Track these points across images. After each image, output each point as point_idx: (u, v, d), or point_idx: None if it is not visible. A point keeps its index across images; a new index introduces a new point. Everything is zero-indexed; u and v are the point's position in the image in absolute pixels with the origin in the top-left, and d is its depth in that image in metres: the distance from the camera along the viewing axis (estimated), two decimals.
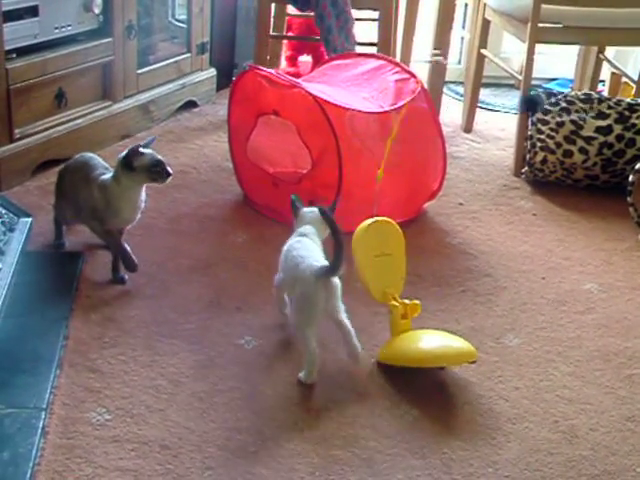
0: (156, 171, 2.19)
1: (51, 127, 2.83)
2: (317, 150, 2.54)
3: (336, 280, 1.93)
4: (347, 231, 2.55)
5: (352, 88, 2.70)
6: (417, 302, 2.00)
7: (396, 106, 2.59)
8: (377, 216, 2.02)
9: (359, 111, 2.52)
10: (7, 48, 2.58)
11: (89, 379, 1.91)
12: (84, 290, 2.24)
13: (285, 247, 2.07)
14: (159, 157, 2.21)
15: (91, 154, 2.36)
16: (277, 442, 1.77)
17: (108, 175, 2.23)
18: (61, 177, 2.38)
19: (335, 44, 3.14)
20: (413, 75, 2.73)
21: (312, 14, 3.18)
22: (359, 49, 3.29)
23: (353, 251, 2.00)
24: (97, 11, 2.91)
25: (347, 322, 1.96)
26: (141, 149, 2.19)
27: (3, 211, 2.21)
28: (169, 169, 2.20)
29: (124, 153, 2.20)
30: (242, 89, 2.70)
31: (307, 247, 2.01)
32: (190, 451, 1.73)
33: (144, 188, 2.26)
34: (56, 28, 2.78)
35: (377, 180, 2.09)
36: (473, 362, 1.97)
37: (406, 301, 1.99)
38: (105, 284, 2.27)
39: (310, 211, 2.12)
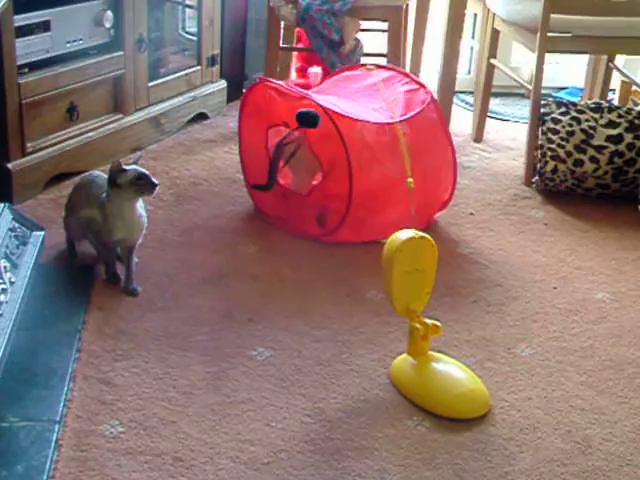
0: (141, 184, 2.21)
1: (63, 140, 2.84)
2: (328, 161, 2.55)
3: None
4: (358, 241, 2.57)
5: (362, 99, 2.71)
6: (438, 324, 1.98)
7: (406, 116, 2.60)
8: (412, 228, 1.98)
9: (369, 122, 2.53)
10: (19, 63, 2.59)
11: (102, 392, 1.92)
12: (96, 303, 2.25)
13: None
14: (142, 170, 2.23)
15: (99, 172, 2.39)
16: (290, 454, 1.78)
17: (102, 195, 2.27)
18: (70, 193, 2.42)
19: (331, 59, 3.20)
20: (423, 85, 2.74)
21: None
22: (369, 60, 3.30)
23: (386, 264, 1.94)
24: (108, 25, 2.93)
25: None
26: (123, 166, 2.22)
27: (16, 225, 2.21)
28: (154, 180, 2.22)
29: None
30: (252, 101, 2.71)
31: None
32: (203, 463, 1.74)
33: (137, 206, 2.28)
34: (67, 42, 2.80)
35: (409, 188, 2.05)
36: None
37: (427, 321, 1.97)
38: (117, 297, 2.28)
39: None
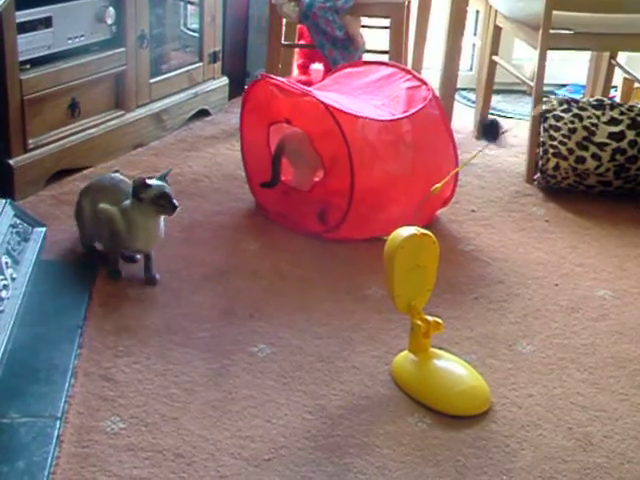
0: (161, 204, 2.24)
1: (65, 137, 2.84)
2: (329, 158, 2.55)
3: None
4: (359, 238, 2.57)
5: (364, 96, 2.71)
6: (439, 321, 1.98)
7: (407, 113, 2.60)
8: (414, 225, 1.98)
9: (371, 119, 2.53)
10: (21, 59, 2.60)
11: (103, 388, 1.92)
12: (98, 299, 2.25)
13: None
14: (166, 190, 2.25)
15: (122, 177, 2.39)
16: (291, 450, 1.78)
17: (128, 202, 2.27)
18: (86, 193, 2.40)
19: (333, 56, 3.19)
20: (425, 82, 2.74)
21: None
22: (371, 57, 3.31)
23: (387, 261, 1.93)
24: (110, 21, 2.93)
25: None
26: (147, 181, 2.24)
27: (18, 221, 2.22)
28: (175, 202, 2.24)
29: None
30: (254, 98, 2.71)
31: None
32: (204, 459, 1.74)
33: (161, 221, 2.30)
34: (69, 39, 2.80)
35: (432, 192, 2.04)
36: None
37: (429, 318, 1.97)
38: (119, 293, 2.28)
39: None
